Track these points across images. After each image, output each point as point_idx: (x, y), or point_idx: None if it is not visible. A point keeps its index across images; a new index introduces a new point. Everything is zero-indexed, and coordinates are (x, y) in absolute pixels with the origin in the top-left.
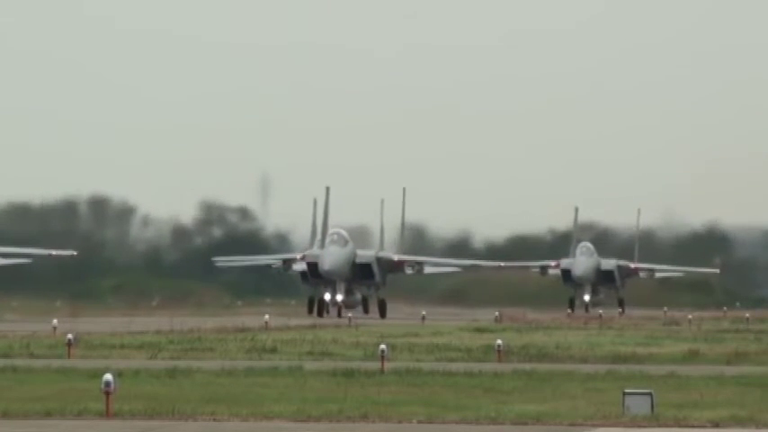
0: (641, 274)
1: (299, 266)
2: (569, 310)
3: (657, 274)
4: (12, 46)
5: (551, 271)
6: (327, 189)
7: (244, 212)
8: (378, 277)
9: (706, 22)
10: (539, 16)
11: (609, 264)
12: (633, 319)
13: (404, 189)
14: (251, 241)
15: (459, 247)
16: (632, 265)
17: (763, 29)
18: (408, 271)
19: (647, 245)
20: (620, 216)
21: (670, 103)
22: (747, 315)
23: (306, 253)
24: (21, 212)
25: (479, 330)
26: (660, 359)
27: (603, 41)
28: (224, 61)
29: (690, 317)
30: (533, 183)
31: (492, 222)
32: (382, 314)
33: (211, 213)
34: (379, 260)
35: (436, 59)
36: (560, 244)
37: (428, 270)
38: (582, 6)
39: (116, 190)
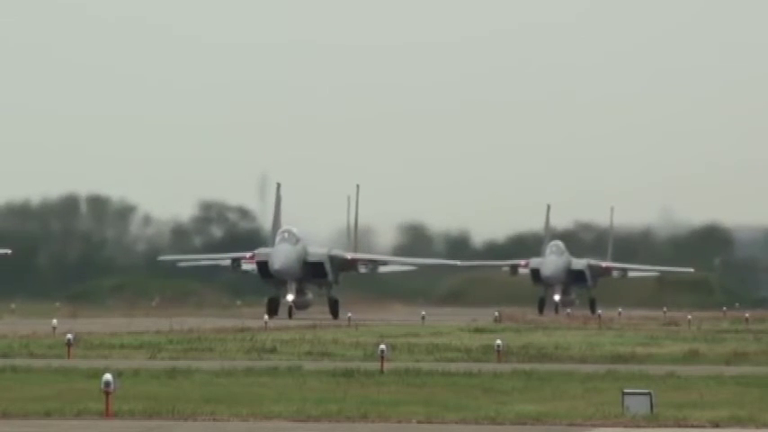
0: (614, 274)
1: (248, 266)
2: (539, 312)
3: (630, 274)
4: (12, 45)
5: (521, 270)
6: (278, 185)
7: (243, 212)
8: (330, 276)
9: (706, 20)
10: (534, 11)
11: (579, 263)
12: (633, 319)
13: (357, 186)
14: (250, 240)
15: (459, 246)
16: (603, 265)
17: (763, 27)
18: (362, 269)
19: (646, 244)
20: (620, 216)
21: (670, 101)
22: (747, 315)
23: (255, 252)
24: (20, 212)
25: (479, 330)
26: (660, 359)
27: (604, 38)
28: (224, 60)
29: (689, 317)
30: (532, 181)
31: (491, 221)
32: (334, 314)
33: (211, 213)
34: (331, 258)
35: (438, 58)
36: None
37: (383, 269)
38: (580, 0)
39: (116, 189)
